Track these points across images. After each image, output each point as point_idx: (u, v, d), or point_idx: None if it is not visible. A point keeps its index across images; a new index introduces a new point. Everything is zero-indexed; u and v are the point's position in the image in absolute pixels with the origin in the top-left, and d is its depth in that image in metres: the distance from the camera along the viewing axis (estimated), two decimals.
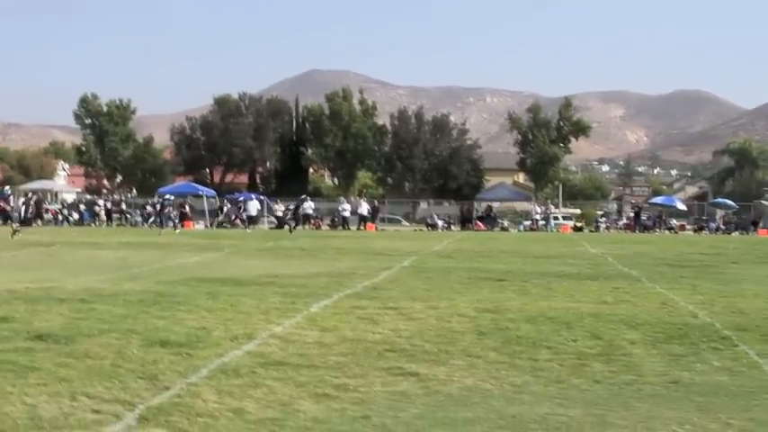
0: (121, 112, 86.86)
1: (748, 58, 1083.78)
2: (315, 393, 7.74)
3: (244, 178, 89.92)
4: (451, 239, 43.43)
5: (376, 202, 67.12)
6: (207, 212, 63.42)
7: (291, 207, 58.82)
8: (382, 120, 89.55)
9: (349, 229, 57.60)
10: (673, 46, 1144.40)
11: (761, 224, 64.06)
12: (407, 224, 69.82)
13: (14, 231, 38.22)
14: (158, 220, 51.12)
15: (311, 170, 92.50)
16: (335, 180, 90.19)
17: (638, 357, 9.80)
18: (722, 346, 10.53)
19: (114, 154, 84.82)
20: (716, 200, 79.66)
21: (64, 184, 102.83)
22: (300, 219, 57.72)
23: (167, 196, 53.39)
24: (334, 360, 9.32)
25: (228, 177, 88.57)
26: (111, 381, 8.09)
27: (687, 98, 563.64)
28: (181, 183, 76.89)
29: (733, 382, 8.64)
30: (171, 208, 51.78)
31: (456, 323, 12.12)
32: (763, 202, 76.33)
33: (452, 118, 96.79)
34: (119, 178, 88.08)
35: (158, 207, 51.85)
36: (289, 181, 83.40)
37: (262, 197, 66.91)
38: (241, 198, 62.59)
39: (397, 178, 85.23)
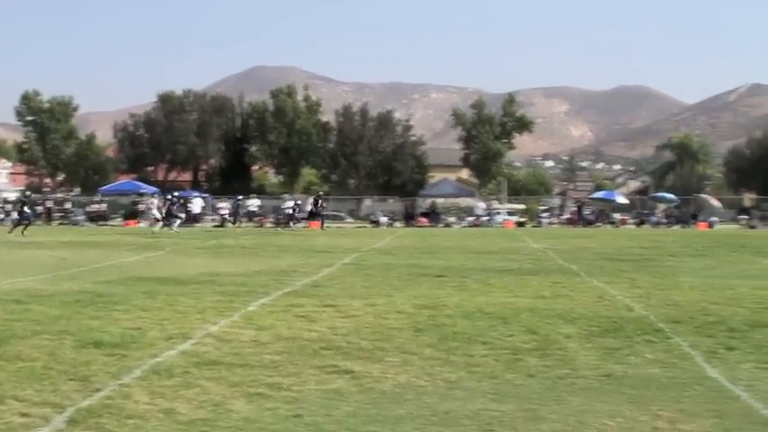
0: (63, 109, 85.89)
1: (689, 54, 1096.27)
2: (248, 393, 7.72)
3: (187, 176, 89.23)
4: (394, 236, 43.47)
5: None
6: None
7: (299, 202, 58.47)
8: (327, 116, 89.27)
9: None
10: (615, 42, 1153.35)
11: (700, 217, 64.78)
12: (351, 221, 69.72)
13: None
14: (167, 219, 50.32)
15: (255, 167, 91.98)
16: (280, 177, 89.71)
17: (573, 351, 9.87)
18: (656, 339, 10.66)
19: (56, 151, 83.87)
20: (656, 194, 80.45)
21: (5, 182, 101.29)
22: (321, 215, 57.02)
23: (175, 194, 52.86)
24: (269, 359, 9.29)
25: (172, 175, 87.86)
26: (41, 383, 8.02)
27: (630, 94, 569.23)
28: (123, 181, 76.33)
29: (665, 374, 8.75)
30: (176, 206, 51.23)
31: (393, 320, 12.14)
32: (702, 195, 77.31)
33: (397, 114, 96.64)
34: (61, 176, 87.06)
35: (166, 206, 51.14)
36: (233, 178, 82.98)
37: (205, 195, 66.63)
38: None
39: (341, 175, 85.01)
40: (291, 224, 54.08)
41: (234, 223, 59.32)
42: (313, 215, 57.93)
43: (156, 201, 53.00)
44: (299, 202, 58.49)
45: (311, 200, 63.08)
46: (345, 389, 7.94)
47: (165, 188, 72.12)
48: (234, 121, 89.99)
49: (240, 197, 62.73)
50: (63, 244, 33.27)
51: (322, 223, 54.48)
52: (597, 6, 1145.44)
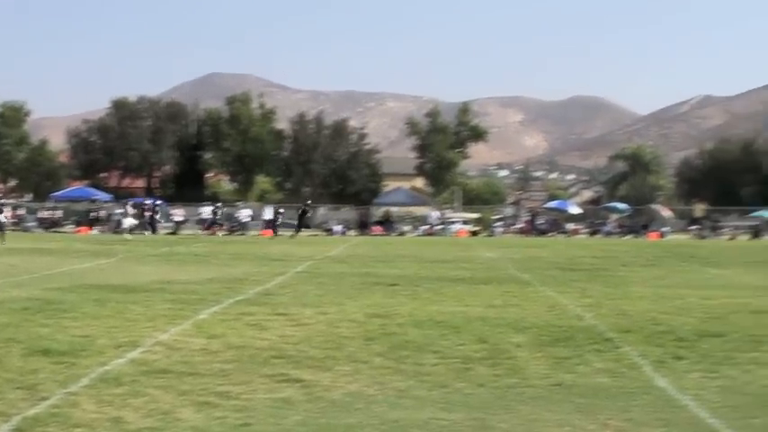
0: (15, 114, 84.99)
1: (643, 65, 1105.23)
2: (197, 401, 7.68)
3: (141, 182, 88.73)
4: (348, 244, 43.47)
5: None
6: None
7: (282, 211, 58.64)
8: (282, 124, 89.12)
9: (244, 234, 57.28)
10: (569, 53, 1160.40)
11: (652, 227, 65.36)
12: (305, 229, 69.43)
13: None
14: (150, 226, 50.24)
15: (210, 174, 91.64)
16: (235, 185, 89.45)
17: (523, 360, 9.92)
18: (605, 348, 10.73)
19: (8, 157, 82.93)
20: (609, 204, 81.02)
21: None
22: (306, 224, 57.02)
23: (158, 202, 52.62)
24: (219, 367, 9.25)
25: (125, 182, 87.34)
26: None
27: (584, 104, 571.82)
28: (75, 187, 75.73)
29: (613, 383, 8.81)
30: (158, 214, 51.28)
31: (344, 329, 12.13)
32: (654, 205, 78.04)
33: (353, 122, 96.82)
34: (12, 182, 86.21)
35: (149, 213, 51.10)
36: (187, 185, 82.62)
37: (159, 202, 66.15)
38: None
39: (295, 183, 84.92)
40: (298, 231, 54.22)
41: (214, 228, 58.52)
42: (300, 224, 57.65)
43: (129, 209, 52.88)
44: (281, 210, 58.73)
45: (268, 208, 63.06)
46: (295, 398, 7.93)
47: (118, 195, 71.70)
48: (188, 128, 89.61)
49: (219, 204, 62.01)
50: (13, 250, 32.91)
51: (299, 230, 54.49)
52: (552, 17, 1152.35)
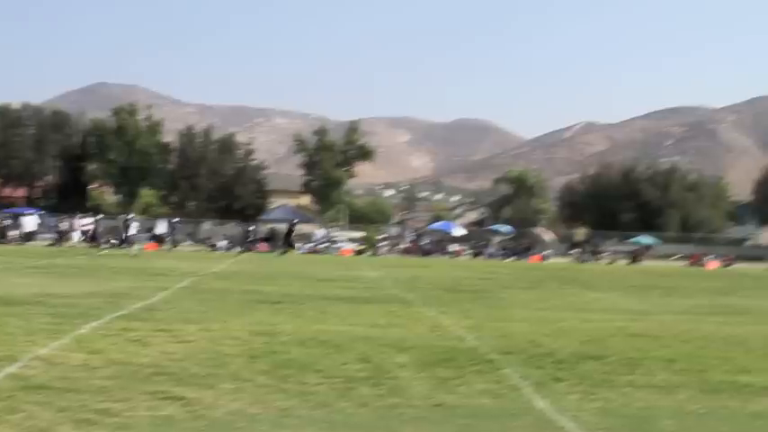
0: None
1: (529, 91, 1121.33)
2: (75, 419, 7.56)
3: (22, 192, 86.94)
4: (232, 261, 43.20)
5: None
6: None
7: (253, 227, 58.41)
8: (170, 137, 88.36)
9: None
10: (457, 75, 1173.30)
11: (534, 250, 66.39)
12: (189, 244, 68.83)
13: None
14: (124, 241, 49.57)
15: (93, 185, 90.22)
16: (119, 197, 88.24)
17: (405, 381, 9.98)
18: (486, 370, 10.86)
19: None
20: (492, 226, 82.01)
21: None
22: (293, 243, 57.01)
23: (131, 216, 51.94)
24: (99, 384, 9.12)
25: (6, 191, 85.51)
26: None
27: (471, 127, 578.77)
28: None
29: (494, 404, 8.95)
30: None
31: (227, 346, 12.05)
32: (536, 229, 79.33)
33: (240, 138, 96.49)
34: None
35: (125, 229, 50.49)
36: (70, 196, 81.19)
37: (41, 212, 64.87)
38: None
39: (180, 197, 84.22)
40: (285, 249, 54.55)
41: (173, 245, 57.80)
42: (287, 242, 57.21)
43: (77, 221, 52.27)
44: (251, 227, 58.58)
45: (161, 222, 62.45)
46: (177, 415, 7.87)
47: None
48: (73, 138, 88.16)
49: (177, 219, 61.00)
50: None
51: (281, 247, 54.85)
52: (440, 39, 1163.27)
